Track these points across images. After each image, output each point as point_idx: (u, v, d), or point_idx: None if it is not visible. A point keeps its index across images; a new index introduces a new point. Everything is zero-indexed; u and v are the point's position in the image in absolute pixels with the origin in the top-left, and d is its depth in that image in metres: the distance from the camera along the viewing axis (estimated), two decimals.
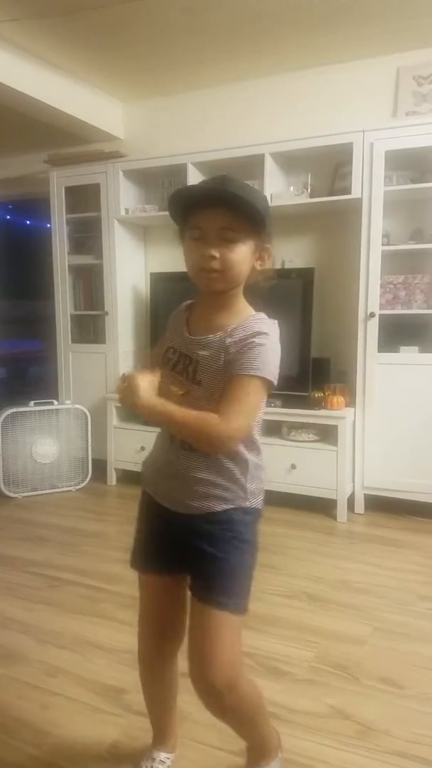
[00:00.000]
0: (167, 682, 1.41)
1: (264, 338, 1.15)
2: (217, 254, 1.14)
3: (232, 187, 1.12)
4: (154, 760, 1.43)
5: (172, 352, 1.26)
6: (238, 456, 1.22)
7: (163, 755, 1.44)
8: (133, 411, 1.17)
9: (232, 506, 1.23)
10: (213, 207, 1.13)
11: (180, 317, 1.30)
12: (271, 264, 1.24)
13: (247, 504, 1.25)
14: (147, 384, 1.15)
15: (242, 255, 1.16)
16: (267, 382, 1.15)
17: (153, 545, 1.33)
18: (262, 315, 1.23)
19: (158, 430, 1.32)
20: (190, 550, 1.24)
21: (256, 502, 1.27)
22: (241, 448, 1.22)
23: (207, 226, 1.14)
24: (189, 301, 1.33)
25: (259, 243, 1.19)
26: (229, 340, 1.17)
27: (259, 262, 1.21)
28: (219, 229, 1.13)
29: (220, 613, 1.20)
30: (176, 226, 1.23)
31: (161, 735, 1.46)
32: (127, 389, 1.15)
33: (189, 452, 1.22)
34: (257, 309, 1.25)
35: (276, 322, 1.21)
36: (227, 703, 1.22)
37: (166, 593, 1.33)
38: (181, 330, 1.27)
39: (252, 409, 1.15)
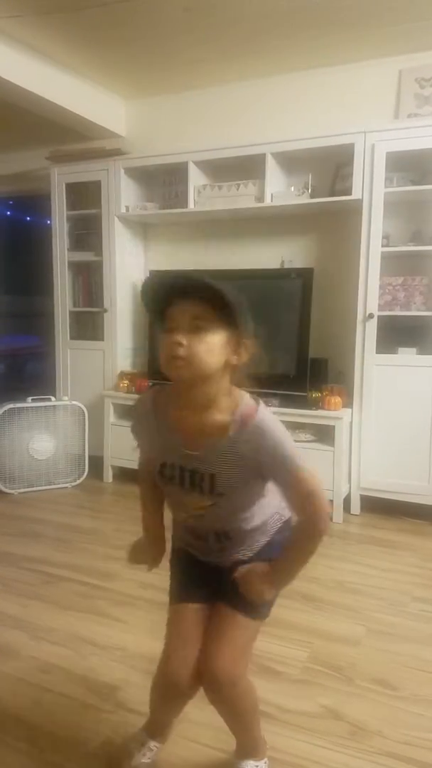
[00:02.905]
0: (187, 700, 1.40)
1: (274, 433, 1.16)
2: (184, 341, 1.12)
3: (200, 279, 1.12)
4: (143, 745, 1.44)
5: (170, 468, 1.23)
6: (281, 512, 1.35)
7: (153, 743, 1.45)
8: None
9: (274, 533, 1.34)
10: (185, 299, 1.13)
11: (151, 421, 1.27)
12: (251, 359, 1.19)
13: (283, 522, 1.36)
14: None
15: (210, 345, 1.13)
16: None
17: (197, 581, 1.36)
18: (251, 402, 1.19)
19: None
20: (230, 573, 1.30)
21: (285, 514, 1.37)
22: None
23: (179, 317, 1.13)
24: (149, 397, 1.30)
25: (234, 336, 1.16)
26: (243, 447, 1.16)
27: (235, 357, 1.17)
28: (190, 318, 1.13)
29: (245, 619, 1.29)
30: (148, 315, 1.23)
31: (158, 729, 1.46)
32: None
33: (226, 541, 1.30)
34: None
35: (262, 403, 1.20)
36: (226, 695, 1.28)
37: (204, 621, 1.33)
38: (168, 439, 1.23)
39: (309, 475, 1.17)
